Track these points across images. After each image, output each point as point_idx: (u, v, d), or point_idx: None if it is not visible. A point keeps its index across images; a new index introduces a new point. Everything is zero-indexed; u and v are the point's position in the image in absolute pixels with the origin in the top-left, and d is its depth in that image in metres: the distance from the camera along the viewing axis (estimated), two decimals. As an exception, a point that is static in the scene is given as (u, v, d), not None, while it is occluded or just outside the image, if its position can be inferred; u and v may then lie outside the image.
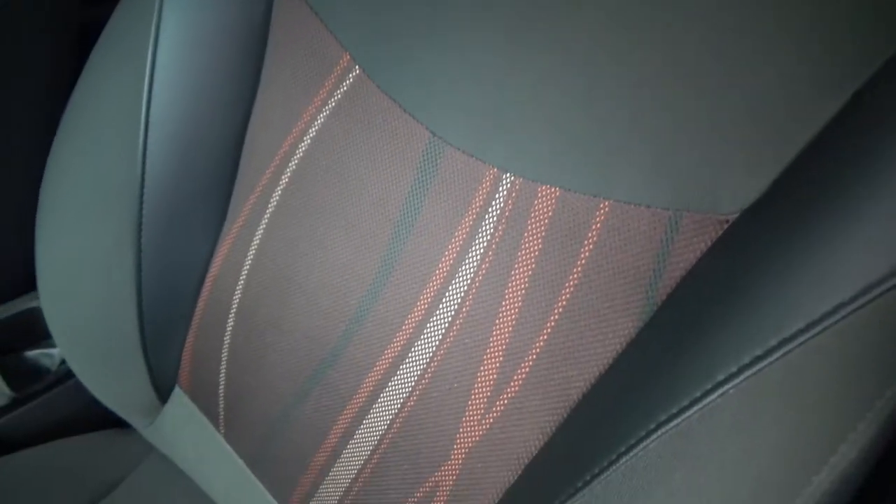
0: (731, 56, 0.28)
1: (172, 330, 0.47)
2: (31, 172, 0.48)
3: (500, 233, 0.34)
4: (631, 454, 0.25)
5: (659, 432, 0.24)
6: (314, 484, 0.42)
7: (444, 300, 0.35)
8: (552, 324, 0.32)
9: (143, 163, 0.42)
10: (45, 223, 0.47)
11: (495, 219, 0.34)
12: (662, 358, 0.26)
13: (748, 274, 0.25)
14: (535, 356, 0.33)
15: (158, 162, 0.43)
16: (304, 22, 0.40)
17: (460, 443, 0.35)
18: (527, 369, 0.33)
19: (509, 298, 0.33)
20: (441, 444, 0.36)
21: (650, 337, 0.29)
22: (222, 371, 0.45)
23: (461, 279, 0.35)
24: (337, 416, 0.40)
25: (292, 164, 0.41)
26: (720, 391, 0.23)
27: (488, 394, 0.34)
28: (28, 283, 0.57)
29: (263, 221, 0.42)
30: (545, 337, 0.32)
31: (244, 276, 0.43)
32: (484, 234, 0.34)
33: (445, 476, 0.36)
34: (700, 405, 0.23)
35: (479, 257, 0.34)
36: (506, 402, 0.33)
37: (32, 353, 0.57)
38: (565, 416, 0.31)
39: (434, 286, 0.36)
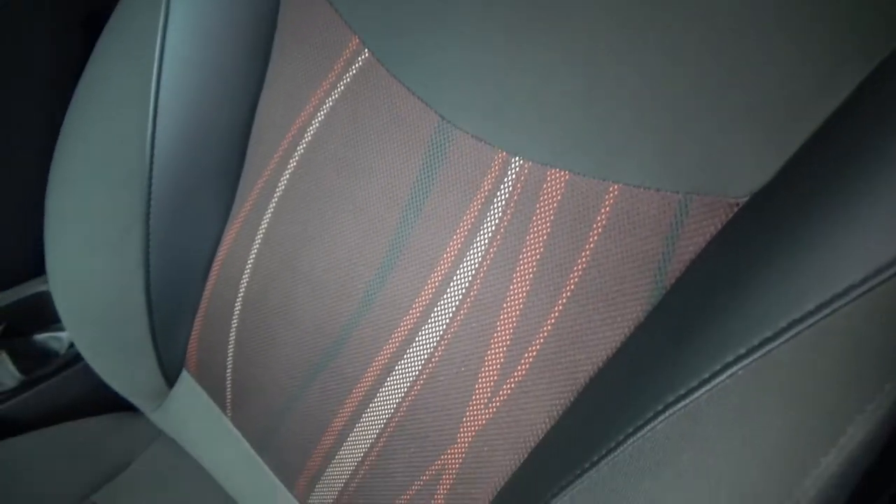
0: (741, 39, 0.28)
1: (180, 314, 0.47)
2: (40, 157, 0.48)
3: (509, 217, 0.34)
4: (638, 435, 0.25)
5: (667, 413, 0.24)
6: (321, 467, 0.42)
7: (451, 284, 0.35)
8: (560, 308, 0.32)
9: (152, 148, 0.42)
10: (54, 207, 0.48)
11: (504, 203, 0.34)
12: (671, 340, 0.26)
13: (758, 256, 0.25)
14: (542, 340, 0.33)
15: (167, 147, 0.43)
16: (313, 5, 0.40)
17: (467, 426, 0.35)
18: (534, 353, 0.33)
19: (517, 282, 0.33)
20: (447, 427, 0.36)
21: (659, 320, 0.29)
22: (230, 355, 0.45)
23: (469, 263, 0.35)
24: (344, 400, 0.40)
25: (300, 149, 0.41)
26: (729, 372, 0.23)
27: (495, 378, 0.34)
28: (37, 268, 0.57)
29: (271, 206, 0.42)
30: (553, 321, 0.32)
31: (252, 261, 0.43)
32: (492, 218, 0.34)
33: (451, 459, 0.36)
34: (708, 386, 0.23)
35: (487, 241, 0.34)
36: (513, 385, 0.34)
37: (41, 337, 0.57)
38: (572, 399, 0.32)
39: (442, 270, 0.36)
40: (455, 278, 0.35)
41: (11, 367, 0.54)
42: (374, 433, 0.39)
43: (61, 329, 0.58)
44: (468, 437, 0.35)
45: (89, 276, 0.47)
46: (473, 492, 0.35)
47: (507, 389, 0.34)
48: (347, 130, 0.39)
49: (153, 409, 0.52)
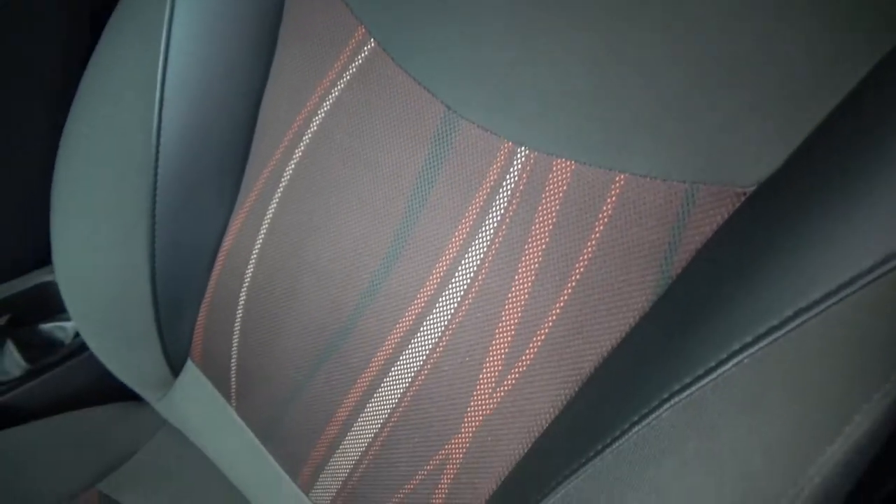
0: (749, 28, 0.28)
1: (185, 304, 0.47)
2: (46, 148, 0.49)
3: (514, 207, 0.33)
4: (643, 423, 0.25)
5: (672, 401, 0.24)
6: (325, 457, 0.42)
7: (456, 274, 0.35)
8: (565, 298, 0.32)
9: (158, 139, 0.42)
10: (60, 197, 0.48)
11: (509, 193, 0.34)
12: (677, 330, 0.26)
13: (766, 245, 0.25)
14: (547, 330, 0.33)
15: (173, 136, 0.43)
16: (319, -5, 0.40)
17: (471, 416, 0.35)
18: (539, 343, 0.33)
19: (522, 272, 0.33)
20: (452, 417, 0.36)
21: (665, 309, 0.29)
22: (234, 344, 0.45)
23: (474, 253, 0.35)
24: (348, 390, 0.40)
25: (306, 139, 0.41)
26: (735, 360, 0.23)
27: (500, 367, 0.34)
28: (43, 258, 0.57)
29: (276, 195, 0.42)
30: (558, 311, 0.32)
31: (257, 251, 0.43)
32: (498, 208, 0.34)
33: (456, 449, 0.36)
34: (714, 375, 0.23)
35: (492, 231, 0.34)
36: (517, 375, 0.34)
37: (46, 326, 0.57)
38: (577, 389, 0.32)
39: (447, 260, 0.36)
40: (460, 268, 0.35)
41: (17, 356, 0.54)
42: (378, 423, 0.39)
43: (67, 319, 0.58)
44: (472, 426, 0.35)
45: (95, 266, 0.47)
46: (477, 481, 0.35)
47: (512, 379, 0.34)
48: (353, 120, 0.39)
49: (158, 398, 0.52)
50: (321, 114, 0.40)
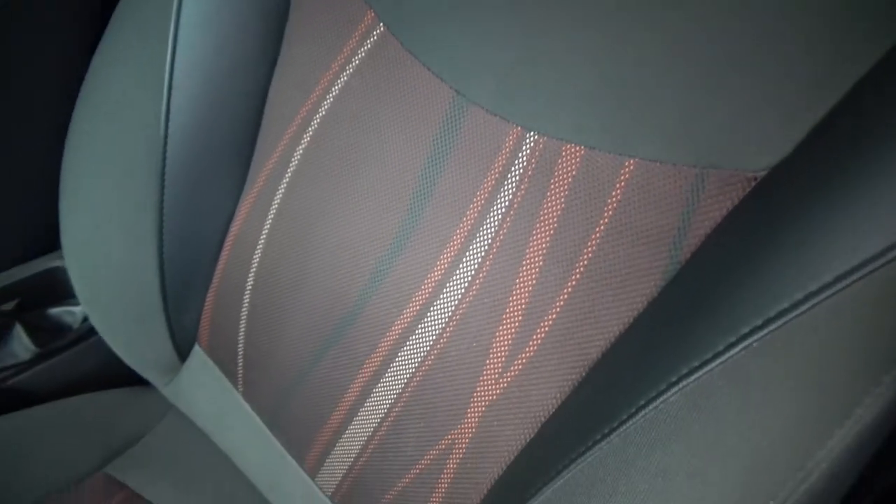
0: (761, 13, 0.27)
1: (193, 289, 0.48)
2: (55, 133, 0.49)
3: (523, 192, 0.33)
4: (651, 407, 0.25)
5: (680, 385, 0.24)
6: (330, 442, 0.42)
7: (463, 260, 0.35)
8: (573, 284, 0.32)
9: (166, 123, 0.43)
10: (69, 183, 0.48)
11: (518, 178, 0.34)
12: (686, 314, 0.26)
13: (776, 229, 0.24)
14: (554, 316, 0.33)
15: (181, 122, 0.43)
16: (328, -20, 0.40)
17: (477, 402, 0.35)
18: (546, 329, 0.33)
19: (530, 258, 0.33)
20: (458, 403, 0.36)
21: (673, 295, 0.29)
22: (241, 330, 0.46)
23: (482, 239, 0.35)
24: (354, 376, 0.40)
25: (314, 124, 0.41)
26: (744, 344, 0.23)
27: (506, 354, 0.34)
28: (52, 243, 0.58)
29: (284, 181, 0.42)
30: (565, 297, 0.32)
31: (264, 236, 0.43)
32: (506, 193, 0.34)
33: (461, 435, 0.36)
34: (723, 358, 0.23)
35: (500, 217, 0.34)
36: (524, 361, 0.34)
37: (55, 311, 0.58)
38: (584, 374, 0.31)
39: (454, 246, 0.36)
40: (467, 254, 0.35)
41: (26, 340, 0.54)
42: (384, 409, 0.39)
43: (75, 304, 0.58)
44: (478, 412, 0.35)
45: (103, 251, 0.47)
46: (483, 466, 0.35)
47: (518, 365, 0.34)
48: (361, 106, 0.39)
49: (165, 383, 0.53)
50: (329, 99, 0.40)
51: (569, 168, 0.32)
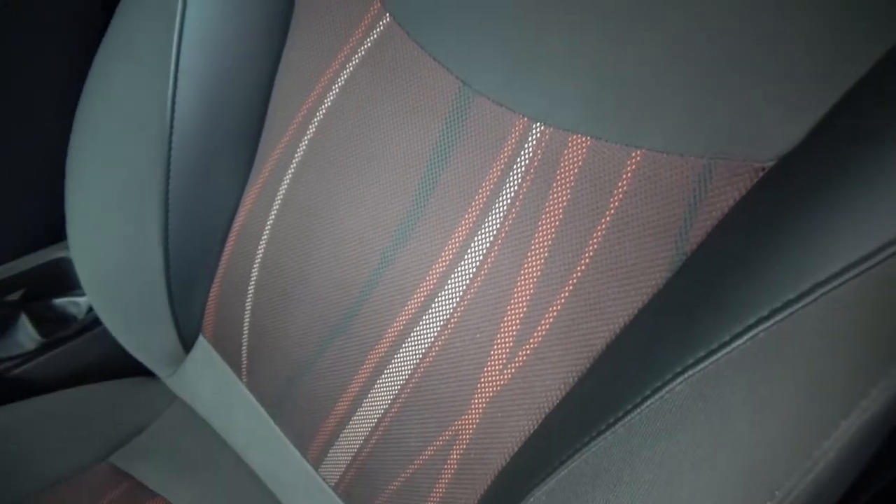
0: (761, 13, 0.27)
1: (198, 280, 0.48)
2: (60, 124, 0.49)
3: (528, 183, 0.33)
4: (656, 397, 0.24)
5: (686, 375, 0.24)
6: (334, 433, 0.42)
7: (469, 251, 0.35)
8: (578, 275, 0.32)
9: (172, 113, 0.42)
10: (75, 173, 0.48)
11: (523, 169, 0.33)
12: (692, 305, 0.26)
13: (784, 219, 0.24)
14: (559, 307, 0.33)
15: (187, 112, 0.43)
16: (335, -30, 0.40)
17: (481, 393, 0.35)
18: (551, 320, 0.33)
19: (535, 249, 0.33)
20: (462, 393, 0.36)
21: (679, 286, 0.29)
22: (246, 321, 0.46)
23: (487, 230, 0.35)
24: (358, 366, 0.40)
25: (319, 114, 0.41)
26: (750, 334, 0.23)
27: (511, 344, 0.34)
28: (58, 233, 0.58)
29: (289, 172, 0.42)
30: (570, 288, 0.32)
31: (269, 227, 0.43)
32: (511, 184, 0.34)
33: (465, 425, 0.36)
34: (729, 349, 0.23)
35: (505, 208, 0.34)
36: (528, 352, 0.34)
37: (60, 301, 0.58)
38: (589, 365, 0.31)
39: (459, 237, 0.36)
40: (472, 245, 0.35)
41: (31, 330, 0.54)
42: (388, 399, 0.39)
43: (80, 294, 0.58)
44: (482, 403, 0.35)
45: (109, 242, 0.48)
46: (486, 457, 0.35)
47: (523, 356, 0.34)
48: (367, 96, 0.38)
49: (169, 374, 0.53)
50: (335, 90, 0.40)
51: (575, 159, 0.32)
